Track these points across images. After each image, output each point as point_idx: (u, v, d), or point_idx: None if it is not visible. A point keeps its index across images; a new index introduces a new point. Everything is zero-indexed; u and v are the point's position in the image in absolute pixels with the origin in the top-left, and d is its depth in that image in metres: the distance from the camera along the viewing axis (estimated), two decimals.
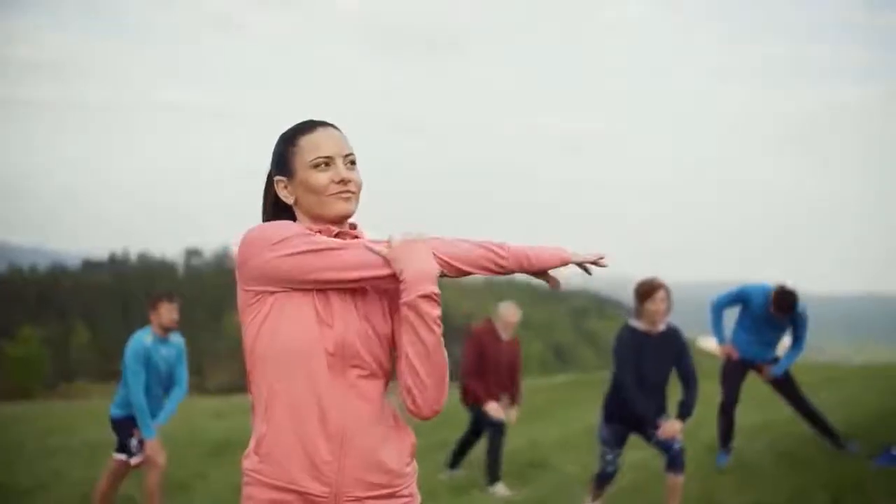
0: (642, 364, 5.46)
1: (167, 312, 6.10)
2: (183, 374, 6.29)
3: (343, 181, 2.15)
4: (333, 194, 2.15)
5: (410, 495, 2.19)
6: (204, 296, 66.77)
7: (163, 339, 6.14)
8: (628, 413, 5.48)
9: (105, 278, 74.11)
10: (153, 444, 5.98)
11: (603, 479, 5.84)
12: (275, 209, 2.26)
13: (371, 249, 2.09)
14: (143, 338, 6.06)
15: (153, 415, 6.09)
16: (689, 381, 5.53)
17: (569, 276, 2.40)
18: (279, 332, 2.08)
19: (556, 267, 2.21)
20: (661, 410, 5.53)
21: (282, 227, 2.12)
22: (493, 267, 2.16)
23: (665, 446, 5.43)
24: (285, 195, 2.21)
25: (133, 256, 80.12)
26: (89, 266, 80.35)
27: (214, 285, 71.08)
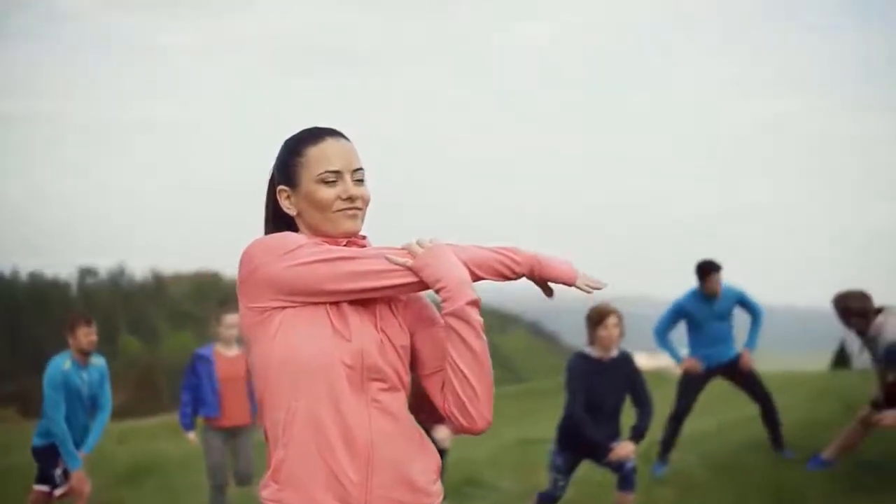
0: (596, 391, 5.41)
1: (84, 336, 5.84)
2: (107, 397, 5.99)
3: (350, 198, 2.03)
4: (339, 211, 2.04)
5: None
6: (98, 316, 64.42)
7: (82, 363, 5.84)
8: (581, 440, 5.43)
9: None
10: (78, 474, 5.68)
11: (548, 501, 5.77)
12: (276, 219, 2.13)
13: (389, 258, 1.97)
14: (62, 363, 5.76)
15: (78, 443, 5.77)
16: (643, 406, 5.52)
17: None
18: (293, 348, 1.93)
19: (560, 283, 2.13)
20: (615, 436, 5.49)
21: (289, 237, 1.99)
22: (507, 272, 2.08)
23: (617, 466, 5.40)
24: (288, 206, 2.08)
25: (23, 275, 77.03)
26: None
27: (109, 305, 69.04)
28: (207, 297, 71.92)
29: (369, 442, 1.94)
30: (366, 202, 2.07)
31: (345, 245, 2.04)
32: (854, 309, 6.05)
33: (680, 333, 7.36)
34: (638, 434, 5.46)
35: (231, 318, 6.90)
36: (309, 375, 1.92)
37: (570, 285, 2.13)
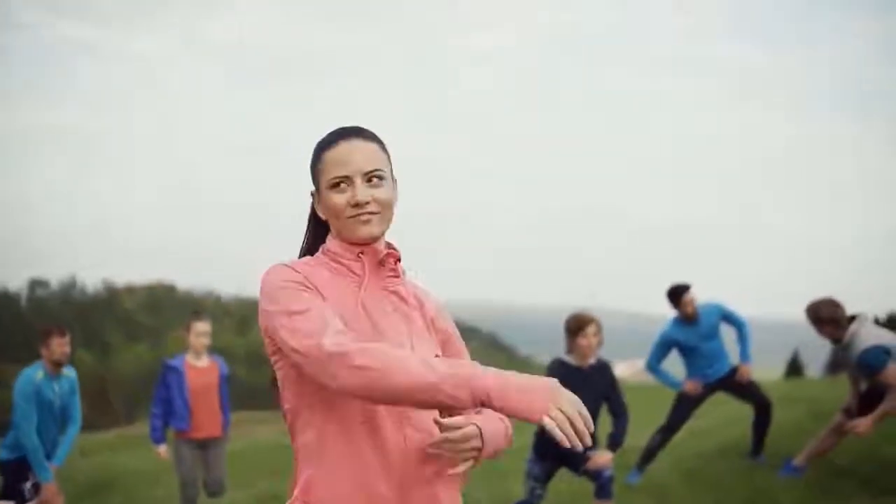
0: None
1: (58, 347, 5.72)
2: (77, 409, 5.87)
3: (358, 204, 1.95)
4: (351, 217, 1.96)
5: None
6: None
7: (54, 374, 5.72)
8: (558, 449, 5.41)
9: None
10: (50, 486, 5.55)
11: None
12: (315, 221, 2.10)
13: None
14: (34, 374, 5.64)
15: (48, 455, 5.65)
16: (619, 414, 5.54)
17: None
18: None
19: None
20: (591, 445, 5.47)
21: (279, 277, 1.91)
22: (448, 402, 1.74)
23: (594, 475, 5.41)
24: (319, 211, 2.05)
25: None
26: None
27: (61, 318, 67.94)
28: (162, 308, 71.13)
29: (404, 460, 1.89)
30: (383, 204, 1.97)
31: (378, 263, 2.00)
32: (825, 317, 6.11)
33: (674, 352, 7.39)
34: (615, 443, 5.47)
35: (201, 326, 6.78)
36: (339, 396, 1.85)
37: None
